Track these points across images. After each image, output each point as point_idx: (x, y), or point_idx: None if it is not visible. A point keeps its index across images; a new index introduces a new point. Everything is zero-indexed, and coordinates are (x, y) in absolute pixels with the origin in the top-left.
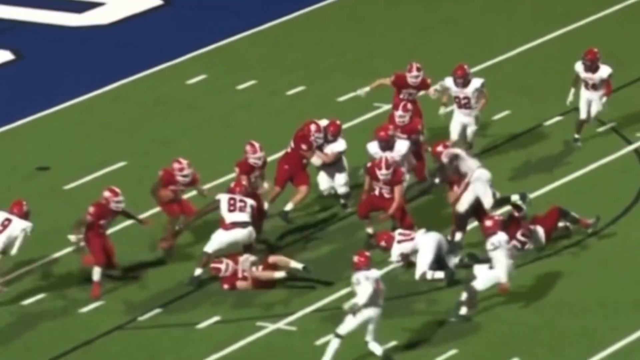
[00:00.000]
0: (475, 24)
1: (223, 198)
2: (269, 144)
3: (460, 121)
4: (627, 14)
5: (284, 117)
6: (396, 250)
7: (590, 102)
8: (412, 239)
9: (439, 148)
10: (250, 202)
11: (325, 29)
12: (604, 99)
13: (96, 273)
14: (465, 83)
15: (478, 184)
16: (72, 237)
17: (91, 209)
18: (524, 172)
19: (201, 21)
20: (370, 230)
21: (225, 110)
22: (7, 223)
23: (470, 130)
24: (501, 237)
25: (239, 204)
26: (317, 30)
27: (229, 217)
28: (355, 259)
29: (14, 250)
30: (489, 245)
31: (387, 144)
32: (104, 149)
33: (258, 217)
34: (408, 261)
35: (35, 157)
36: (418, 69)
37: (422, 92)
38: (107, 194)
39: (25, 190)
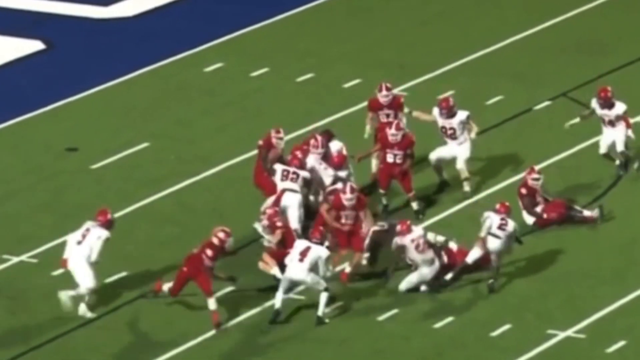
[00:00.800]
0: (471, 15)
1: (278, 168)
2: (279, 126)
3: (449, 152)
4: (613, 6)
5: (294, 102)
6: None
7: (613, 140)
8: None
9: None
10: (303, 174)
11: (333, 20)
12: (630, 131)
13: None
14: (450, 115)
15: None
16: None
17: (209, 252)
18: (515, 154)
19: (218, 13)
20: (385, 200)
21: (240, 95)
22: (86, 233)
23: (461, 160)
24: (494, 218)
25: (292, 175)
26: (325, 21)
27: (281, 185)
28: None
29: (93, 257)
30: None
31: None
32: (128, 131)
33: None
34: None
35: (65, 139)
36: (387, 89)
37: (405, 112)
38: (221, 235)
39: (56, 169)
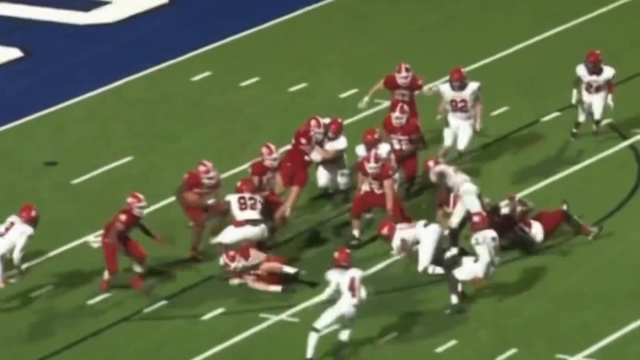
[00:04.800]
0: (475, 22)
1: (233, 198)
2: (271, 140)
3: (455, 125)
4: (623, 12)
5: (286, 113)
6: (398, 237)
7: (590, 105)
8: (413, 227)
9: (430, 163)
10: (259, 198)
11: (326, 27)
12: (610, 98)
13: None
14: (462, 86)
15: (466, 198)
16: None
17: (123, 217)
18: (522, 167)
19: (205, 19)
20: (356, 232)
21: (229, 106)
22: (10, 227)
23: (465, 135)
24: (487, 234)
25: (249, 202)
26: (318, 28)
27: (241, 216)
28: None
29: (15, 254)
30: (473, 240)
31: (374, 147)
32: (110, 145)
33: (271, 215)
34: (407, 250)
35: (44, 152)
36: (407, 70)
37: (417, 92)
38: (130, 199)
39: (34, 185)
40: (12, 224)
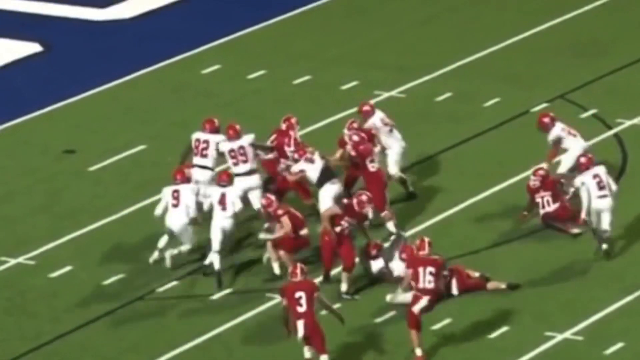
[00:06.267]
0: (468, 17)
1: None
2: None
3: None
4: (610, 8)
5: (290, 104)
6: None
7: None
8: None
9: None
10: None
11: (330, 22)
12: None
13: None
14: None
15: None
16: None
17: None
18: (512, 156)
19: (215, 15)
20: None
21: (237, 97)
22: (177, 195)
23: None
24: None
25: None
26: (322, 22)
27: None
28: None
29: (191, 214)
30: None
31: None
32: (126, 133)
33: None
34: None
35: (63, 140)
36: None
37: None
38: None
39: (54, 171)
40: (176, 191)
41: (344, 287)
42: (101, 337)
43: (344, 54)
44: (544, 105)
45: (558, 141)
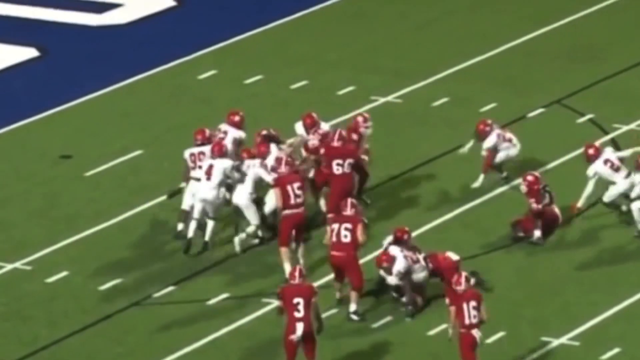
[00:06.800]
0: (465, 22)
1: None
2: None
3: None
4: (606, 12)
5: (288, 109)
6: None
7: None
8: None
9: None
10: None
11: (327, 27)
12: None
13: None
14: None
15: None
16: None
17: None
18: (509, 160)
19: (211, 20)
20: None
21: (234, 102)
22: (210, 170)
23: None
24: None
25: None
26: (319, 27)
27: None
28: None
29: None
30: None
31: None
32: (122, 139)
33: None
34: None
35: (60, 145)
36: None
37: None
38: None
39: (50, 176)
40: (211, 166)
41: (352, 307)
42: (98, 342)
43: (341, 58)
44: (541, 110)
45: (494, 148)
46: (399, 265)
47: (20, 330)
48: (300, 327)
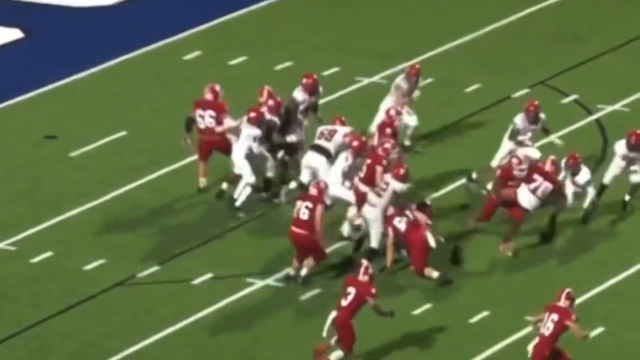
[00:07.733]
0: (450, 3)
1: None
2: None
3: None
4: None
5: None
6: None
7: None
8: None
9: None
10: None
11: (312, 8)
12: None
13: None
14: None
15: None
16: None
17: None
18: (493, 140)
19: (197, 2)
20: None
21: (218, 83)
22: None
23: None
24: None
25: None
26: (304, 9)
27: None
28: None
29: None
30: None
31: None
32: (107, 119)
33: None
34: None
35: (45, 127)
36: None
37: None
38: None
39: (36, 157)
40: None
41: (304, 271)
42: (82, 323)
43: (326, 40)
44: (525, 91)
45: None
46: None
47: (5, 311)
48: (332, 316)
